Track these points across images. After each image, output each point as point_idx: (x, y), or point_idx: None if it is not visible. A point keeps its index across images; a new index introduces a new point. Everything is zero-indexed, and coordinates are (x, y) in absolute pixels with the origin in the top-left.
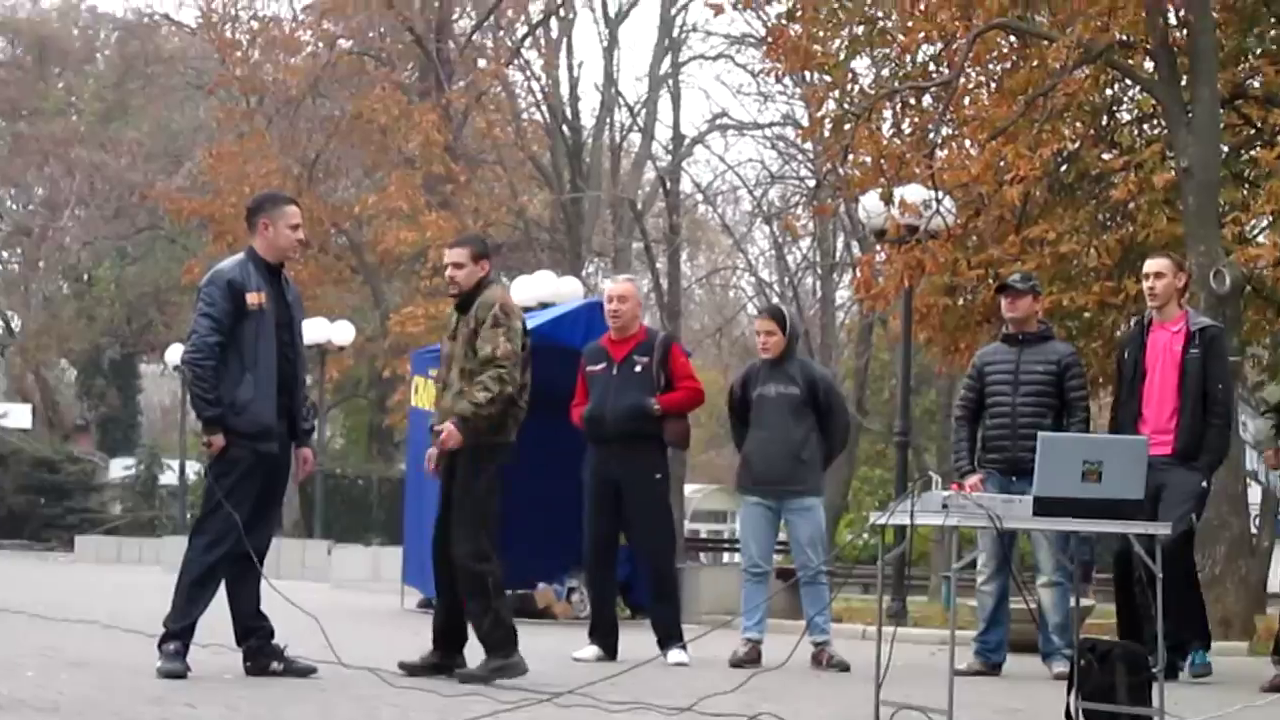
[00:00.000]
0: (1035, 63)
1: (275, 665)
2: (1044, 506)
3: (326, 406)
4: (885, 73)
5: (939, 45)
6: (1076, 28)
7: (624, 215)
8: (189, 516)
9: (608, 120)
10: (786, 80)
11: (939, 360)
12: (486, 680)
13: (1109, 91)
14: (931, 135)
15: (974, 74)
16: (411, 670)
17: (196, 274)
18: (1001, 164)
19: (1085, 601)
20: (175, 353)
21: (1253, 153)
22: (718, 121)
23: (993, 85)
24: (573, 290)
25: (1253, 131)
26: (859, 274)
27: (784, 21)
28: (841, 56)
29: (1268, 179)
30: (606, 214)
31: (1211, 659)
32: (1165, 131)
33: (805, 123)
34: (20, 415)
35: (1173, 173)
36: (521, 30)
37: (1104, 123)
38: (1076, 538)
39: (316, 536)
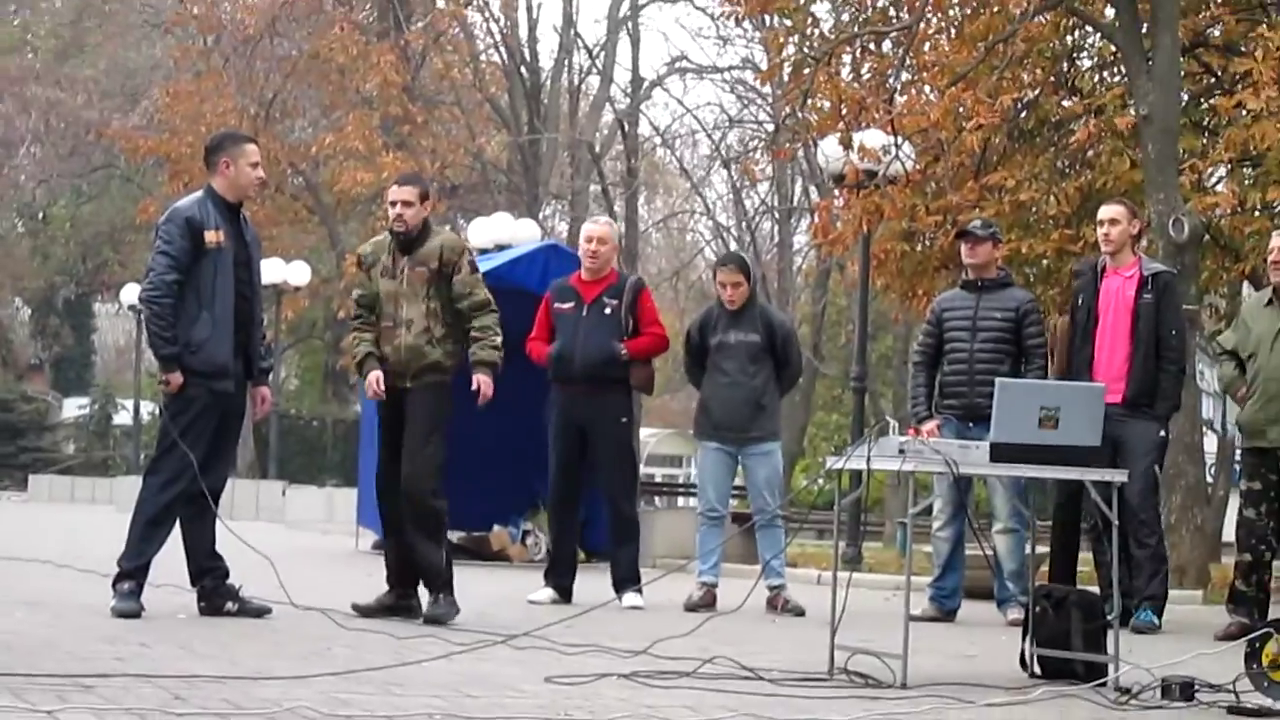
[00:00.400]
0: (995, 8)
1: (230, 605)
2: (1000, 453)
3: (281, 347)
4: (845, 17)
5: None
6: None
7: (582, 158)
8: (143, 456)
9: (566, 62)
10: (746, 24)
11: (896, 306)
12: (447, 620)
13: (1069, 38)
14: (891, 80)
15: (934, 19)
16: (365, 612)
17: (152, 213)
18: (961, 110)
19: (1040, 548)
20: (130, 292)
21: (1212, 101)
22: (677, 65)
23: (953, 31)
24: (530, 233)
25: (1212, 80)
26: (817, 219)
27: None
28: (801, 0)
29: (1227, 127)
30: (564, 156)
31: (1167, 606)
32: (1125, 79)
33: (764, 66)
34: None
35: (1133, 115)
36: None
37: (1064, 69)
38: (1024, 484)
39: (271, 477)
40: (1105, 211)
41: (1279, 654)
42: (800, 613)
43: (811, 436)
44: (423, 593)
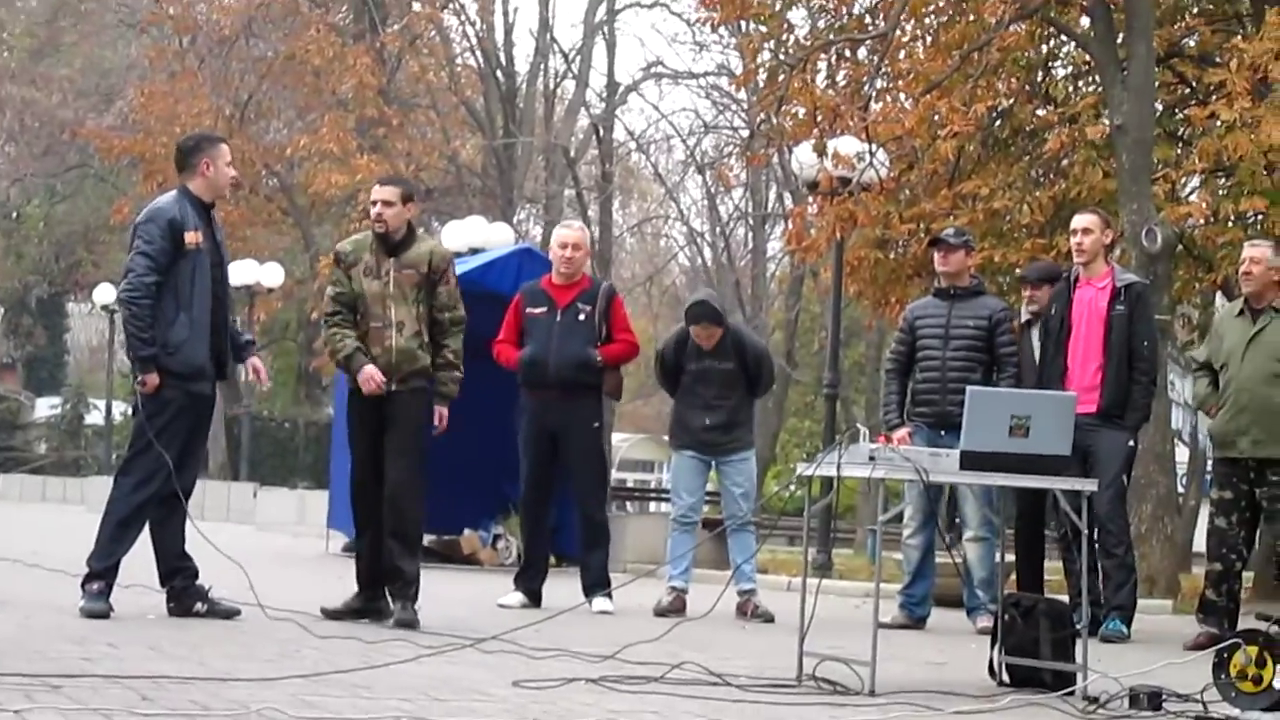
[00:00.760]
0: (971, 17)
1: (199, 606)
2: (971, 461)
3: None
4: (821, 24)
5: None
6: None
7: (556, 162)
8: (114, 457)
9: (542, 66)
10: (722, 30)
11: (869, 313)
12: (418, 625)
13: (1044, 47)
14: (866, 88)
15: (909, 27)
16: (334, 615)
17: (126, 213)
18: (935, 118)
19: (1010, 557)
20: (103, 292)
21: (1186, 111)
22: (652, 70)
23: (928, 39)
24: (504, 237)
25: (1187, 90)
26: (791, 225)
27: None
28: (777, 7)
29: (1200, 138)
30: (539, 161)
31: (1136, 615)
32: (1100, 88)
33: (740, 72)
34: None
35: (1106, 125)
36: None
37: (1039, 79)
38: (997, 491)
39: (242, 479)
40: (1078, 221)
41: (1247, 664)
42: (770, 619)
43: (784, 443)
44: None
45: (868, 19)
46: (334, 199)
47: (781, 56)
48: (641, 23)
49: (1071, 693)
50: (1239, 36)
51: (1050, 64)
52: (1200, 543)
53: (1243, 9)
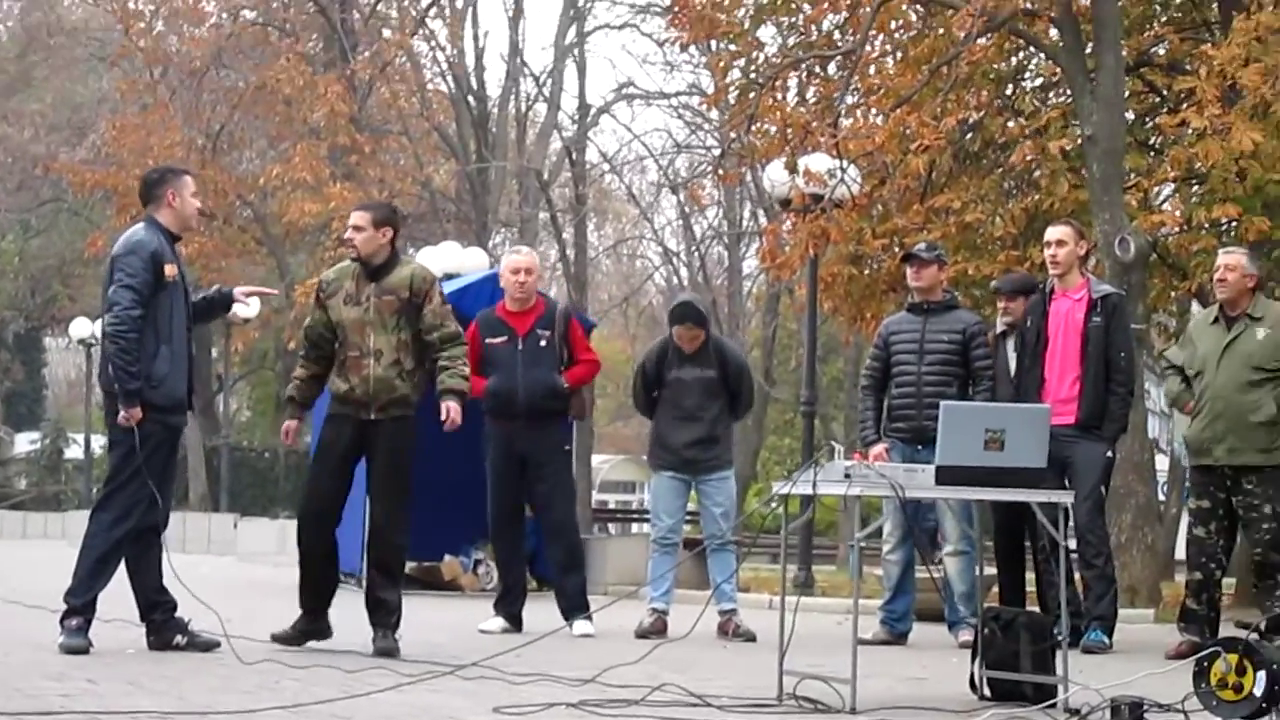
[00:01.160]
0: (940, 31)
1: (178, 639)
2: (946, 475)
3: (232, 379)
4: (791, 41)
5: (844, 14)
6: None
7: (530, 186)
8: (94, 491)
9: (513, 90)
10: (693, 49)
11: (845, 329)
12: (398, 653)
13: (1014, 59)
14: (836, 104)
15: (879, 43)
16: (283, 639)
17: (100, 246)
18: (906, 133)
19: (989, 570)
20: (80, 326)
21: (1157, 120)
22: (624, 91)
23: (898, 54)
24: (478, 261)
25: (1157, 99)
26: (765, 243)
27: None
28: (746, 25)
29: (1172, 146)
30: (512, 184)
31: (1118, 625)
32: (1069, 99)
33: (711, 91)
34: None
35: (1070, 140)
36: (426, 0)
37: (1009, 91)
38: (973, 506)
39: (223, 510)
40: (1052, 233)
41: (1228, 673)
42: (751, 638)
43: (764, 461)
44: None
45: (837, 35)
46: (308, 228)
47: (751, 75)
48: (612, 44)
49: (1053, 705)
50: (1208, 44)
51: (1020, 76)
52: (1183, 551)
53: (1210, 16)
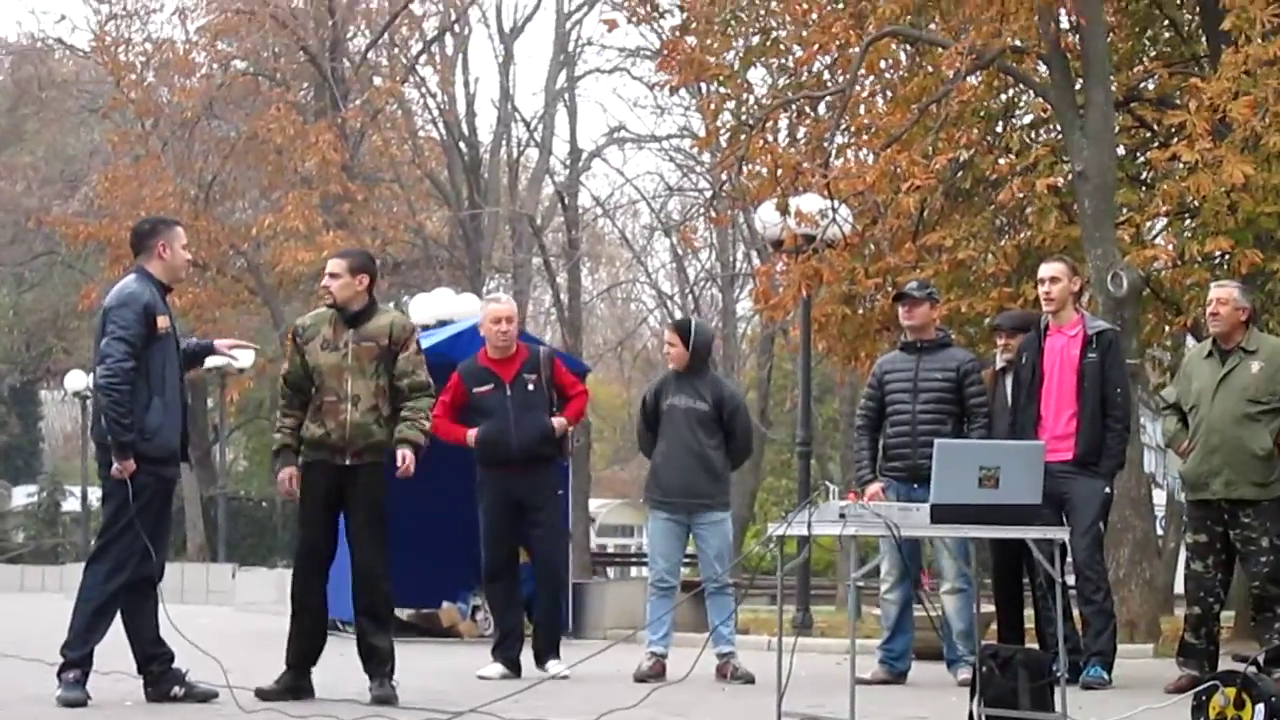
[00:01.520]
0: (929, 70)
1: (176, 690)
2: (942, 514)
3: (228, 429)
4: (781, 82)
5: (834, 55)
6: (969, 34)
7: (523, 231)
8: (92, 543)
9: (505, 136)
10: (683, 92)
11: (839, 369)
12: (395, 700)
13: (1003, 97)
14: (827, 144)
15: (868, 82)
16: (267, 695)
17: (94, 298)
18: (897, 172)
19: (987, 607)
20: (75, 379)
21: (1147, 154)
22: (615, 135)
23: (887, 94)
24: (471, 307)
25: (1148, 134)
26: (758, 284)
27: (678, 34)
28: (735, 67)
29: (1163, 180)
30: (506, 230)
31: (1117, 660)
32: (1059, 135)
33: (702, 134)
34: None
35: (1060, 176)
36: (417, 47)
37: (999, 128)
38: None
39: (220, 560)
40: (1045, 270)
41: (1226, 706)
42: (750, 680)
43: (762, 502)
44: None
45: (826, 76)
46: (301, 276)
47: (742, 116)
48: (602, 88)
49: None
50: (1197, 78)
51: (1010, 114)
52: (1181, 585)
53: (1199, 50)
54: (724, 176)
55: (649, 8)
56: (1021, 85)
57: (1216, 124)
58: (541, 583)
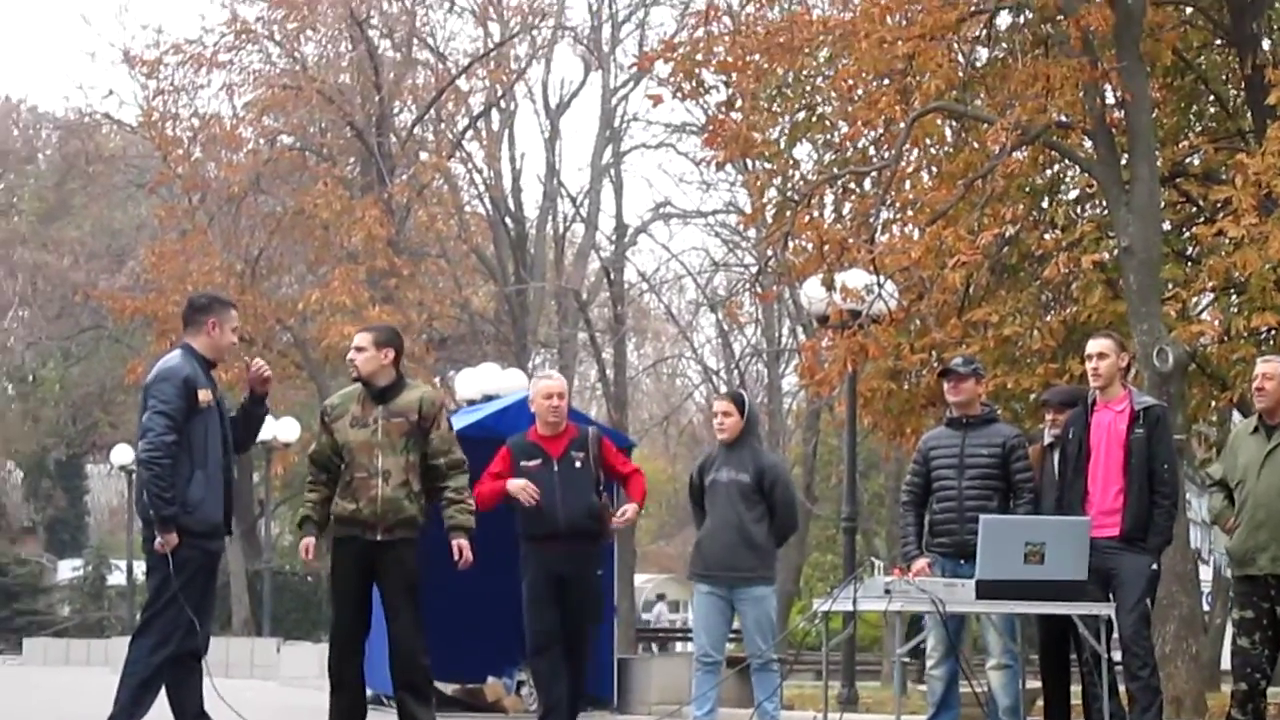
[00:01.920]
0: (974, 145)
1: None
2: (987, 589)
3: (274, 504)
4: (827, 158)
5: (879, 130)
6: (1015, 109)
7: (569, 306)
8: (137, 617)
9: (551, 211)
10: (729, 168)
11: (885, 445)
12: None
13: (1048, 172)
14: (872, 220)
15: (914, 158)
16: None
17: (140, 373)
18: (942, 247)
19: (1033, 684)
20: (121, 453)
21: (1193, 229)
22: (661, 210)
23: (933, 169)
24: (517, 382)
25: (1194, 209)
26: (803, 360)
27: (723, 110)
28: (781, 143)
29: (1209, 255)
30: (551, 305)
31: None
32: (1104, 211)
33: (748, 209)
34: None
35: (1104, 252)
36: (463, 123)
37: (1044, 204)
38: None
39: (265, 634)
40: (1093, 345)
41: None
42: None
43: (807, 577)
44: None
45: (872, 151)
46: (346, 351)
47: (787, 192)
48: (648, 164)
49: None
50: (1243, 153)
51: (1055, 189)
52: (1228, 661)
53: (1245, 125)
54: (769, 252)
55: (694, 83)
56: (1067, 161)
57: (1262, 199)
58: (582, 659)
